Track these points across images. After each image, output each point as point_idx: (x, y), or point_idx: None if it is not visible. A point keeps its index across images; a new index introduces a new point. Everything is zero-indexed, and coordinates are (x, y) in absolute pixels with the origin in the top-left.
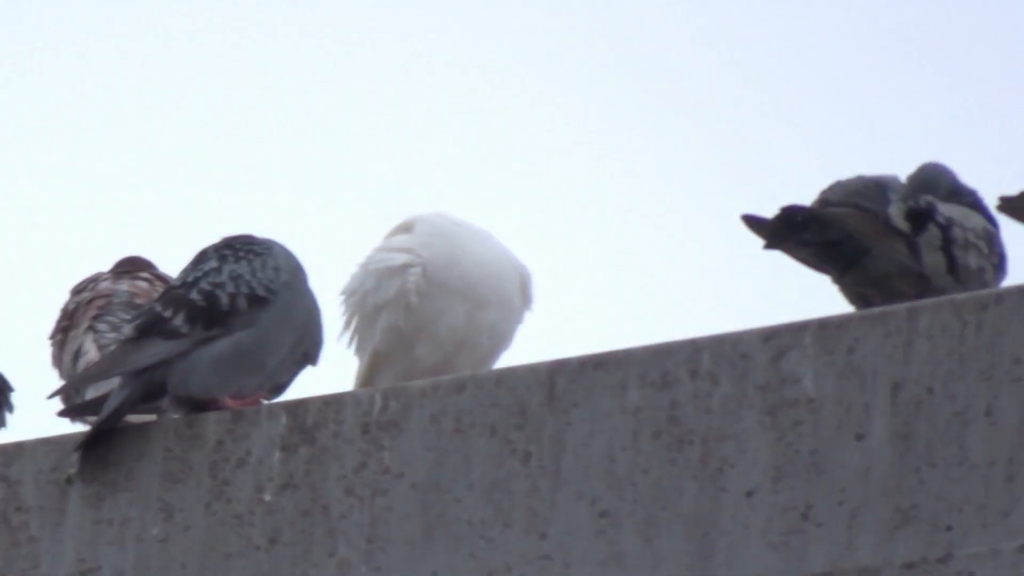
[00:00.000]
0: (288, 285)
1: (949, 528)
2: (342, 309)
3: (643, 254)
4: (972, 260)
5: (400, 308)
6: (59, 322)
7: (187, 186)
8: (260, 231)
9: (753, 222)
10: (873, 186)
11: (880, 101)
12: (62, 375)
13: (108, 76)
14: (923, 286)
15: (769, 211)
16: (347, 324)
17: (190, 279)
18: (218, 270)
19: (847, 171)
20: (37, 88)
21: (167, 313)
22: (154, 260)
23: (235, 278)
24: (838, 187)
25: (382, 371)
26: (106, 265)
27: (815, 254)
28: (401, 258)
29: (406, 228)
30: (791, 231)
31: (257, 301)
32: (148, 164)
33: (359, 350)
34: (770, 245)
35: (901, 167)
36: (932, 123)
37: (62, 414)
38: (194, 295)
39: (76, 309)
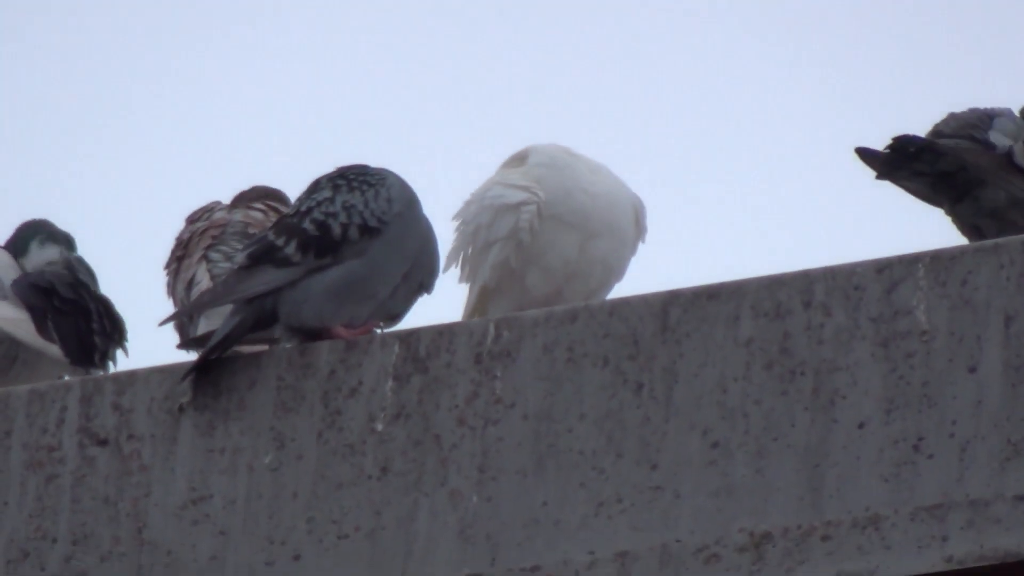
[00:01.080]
0: (401, 216)
1: None
2: (454, 237)
3: (757, 185)
4: None
5: (512, 245)
6: (173, 251)
7: (305, 114)
8: (375, 160)
9: (866, 155)
10: (987, 119)
11: (997, 31)
12: (176, 304)
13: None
14: None
15: (882, 144)
16: (457, 253)
17: (303, 208)
18: (331, 200)
19: (963, 103)
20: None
21: (279, 241)
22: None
23: (348, 208)
24: (951, 119)
25: (493, 302)
26: (225, 194)
27: (928, 185)
28: (519, 196)
29: (521, 159)
30: (904, 161)
31: (369, 231)
32: (267, 93)
33: (469, 281)
34: (882, 175)
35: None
36: None
37: (180, 347)
38: (307, 224)
39: (190, 238)
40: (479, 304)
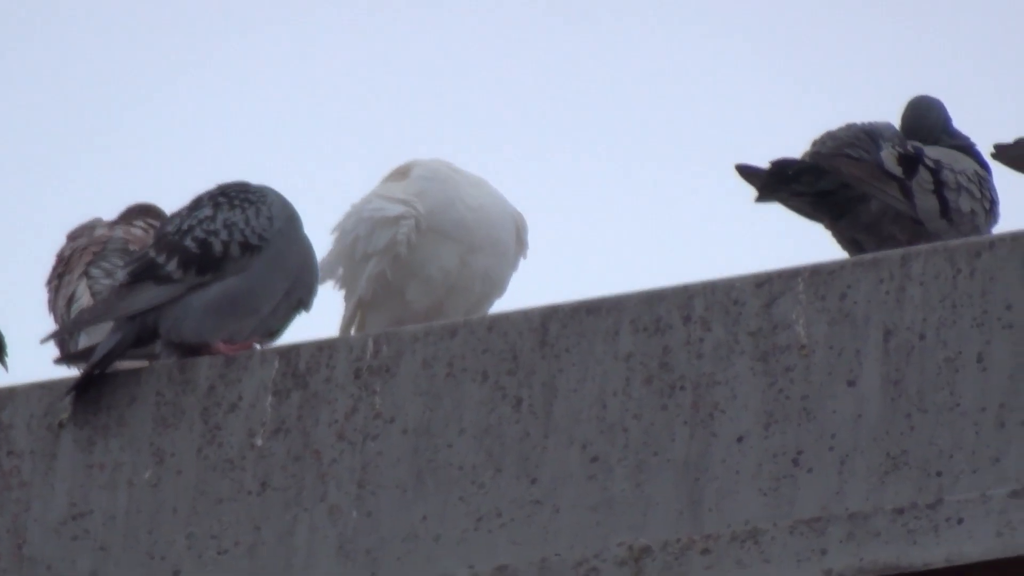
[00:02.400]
0: (282, 233)
1: (939, 474)
2: (331, 248)
3: (637, 200)
4: (964, 203)
5: (389, 259)
6: (54, 267)
7: (187, 129)
8: (256, 177)
9: (746, 172)
10: (864, 135)
11: (871, 44)
12: (57, 320)
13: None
14: (916, 231)
15: (762, 160)
16: (334, 265)
17: (184, 226)
18: (212, 217)
19: (841, 117)
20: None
21: (160, 259)
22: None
23: (229, 225)
24: (829, 138)
25: (372, 315)
26: (105, 211)
27: (808, 204)
28: (397, 209)
29: (403, 173)
30: (782, 183)
31: (250, 248)
32: (150, 107)
33: (347, 294)
34: (761, 198)
35: (894, 108)
36: (924, 65)
37: (59, 362)
38: (188, 241)
39: (72, 255)
40: (356, 316)
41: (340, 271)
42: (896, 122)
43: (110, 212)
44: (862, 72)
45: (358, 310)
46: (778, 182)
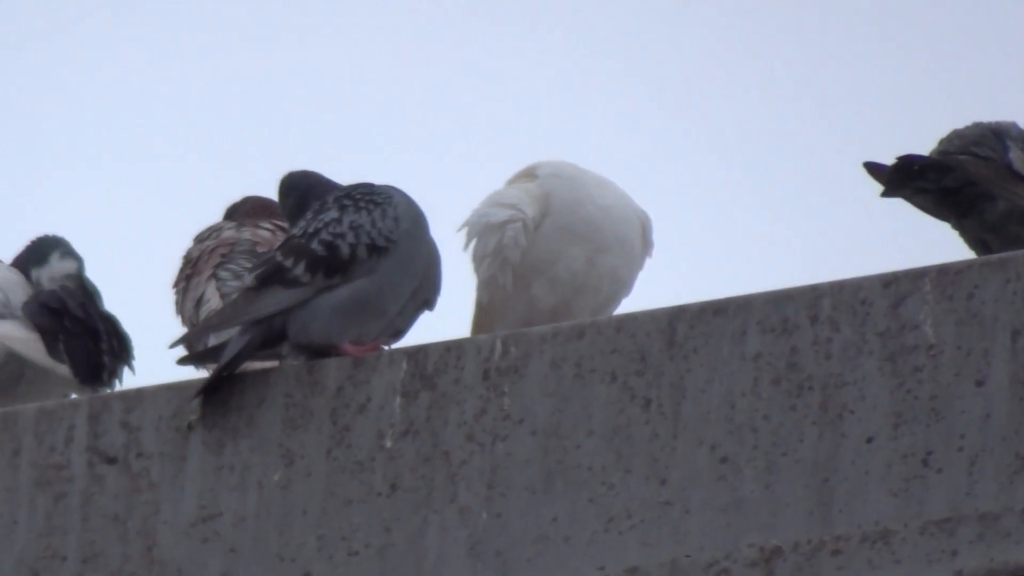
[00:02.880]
0: (408, 234)
1: None
2: (465, 249)
3: (764, 199)
4: None
5: (499, 263)
6: (182, 269)
7: (313, 131)
8: (382, 178)
9: (874, 169)
10: (990, 134)
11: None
12: (184, 322)
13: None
14: None
15: (889, 159)
16: (472, 260)
17: (311, 229)
18: (338, 220)
19: (969, 118)
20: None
21: (288, 262)
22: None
23: (355, 228)
24: (956, 137)
25: (500, 312)
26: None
27: (933, 201)
28: (504, 214)
29: (529, 173)
30: (908, 179)
31: (377, 250)
32: (272, 109)
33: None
34: (887, 193)
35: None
36: None
37: (183, 362)
38: (315, 245)
39: (199, 256)
40: (480, 320)
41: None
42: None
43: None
44: (1000, 70)
45: (478, 315)
46: (903, 177)
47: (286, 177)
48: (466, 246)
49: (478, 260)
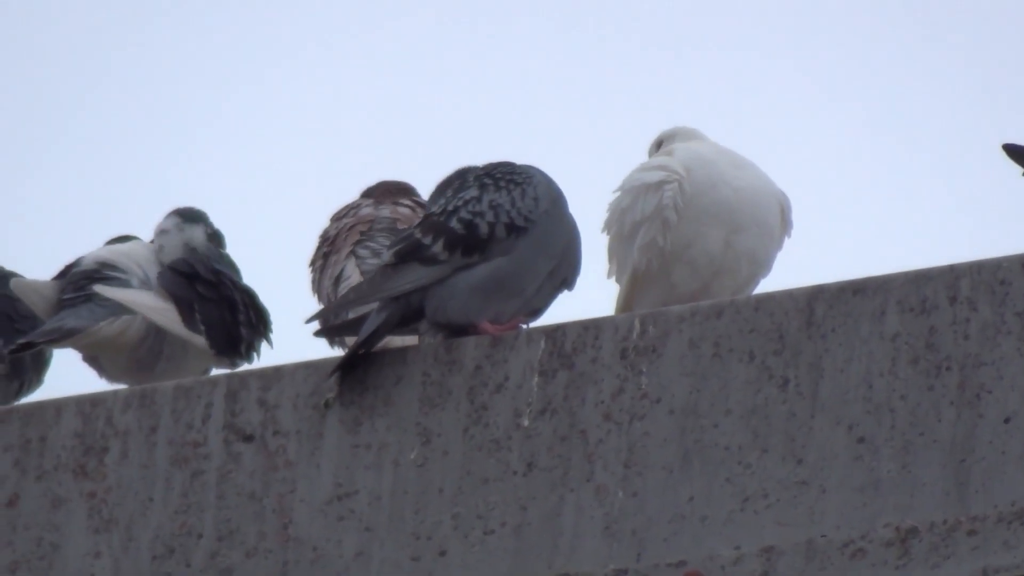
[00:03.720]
0: (547, 214)
1: None
2: (607, 235)
3: (903, 179)
4: None
5: (658, 224)
6: (319, 247)
7: (453, 111)
8: (523, 158)
9: (1013, 151)
10: None
11: None
12: (322, 300)
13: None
14: None
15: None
16: (609, 249)
17: (450, 207)
18: (478, 199)
19: None
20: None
21: (426, 240)
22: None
23: (495, 207)
24: None
25: (641, 296)
26: (359, 191)
27: None
28: (658, 175)
29: (664, 142)
30: None
31: (516, 230)
32: (407, 88)
33: (619, 273)
34: None
35: None
36: None
37: (318, 334)
38: (454, 223)
39: (337, 235)
40: (629, 297)
41: (611, 253)
42: None
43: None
44: None
45: (632, 286)
46: None
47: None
48: (612, 216)
49: (631, 228)
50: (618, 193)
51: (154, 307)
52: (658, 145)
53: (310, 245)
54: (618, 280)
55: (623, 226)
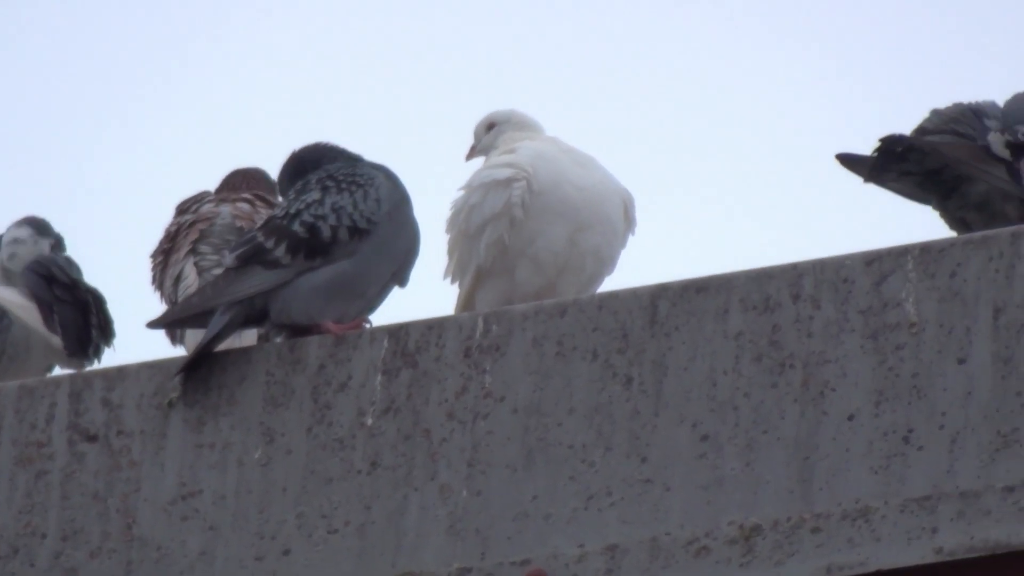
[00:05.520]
0: (390, 216)
1: None
2: (447, 236)
3: (745, 177)
4: None
5: (506, 221)
6: (161, 243)
7: (295, 106)
8: (370, 155)
9: (848, 160)
10: (970, 113)
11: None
12: (163, 297)
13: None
14: None
15: (863, 146)
16: (449, 249)
17: (292, 210)
18: (320, 201)
19: (947, 98)
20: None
21: (269, 243)
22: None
23: (337, 210)
24: (935, 116)
25: (483, 294)
26: (215, 180)
27: (915, 184)
28: (506, 172)
29: (510, 151)
30: (892, 162)
31: (358, 232)
32: (258, 82)
33: (459, 272)
34: (871, 178)
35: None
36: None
37: (154, 324)
38: (296, 226)
39: (178, 232)
40: (470, 296)
41: (455, 252)
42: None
43: (210, 182)
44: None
45: (475, 285)
46: (887, 161)
47: (297, 155)
48: (457, 215)
49: (478, 226)
50: (465, 190)
51: (21, 304)
52: (488, 126)
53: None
54: (456, 278)
55: (470, 223)
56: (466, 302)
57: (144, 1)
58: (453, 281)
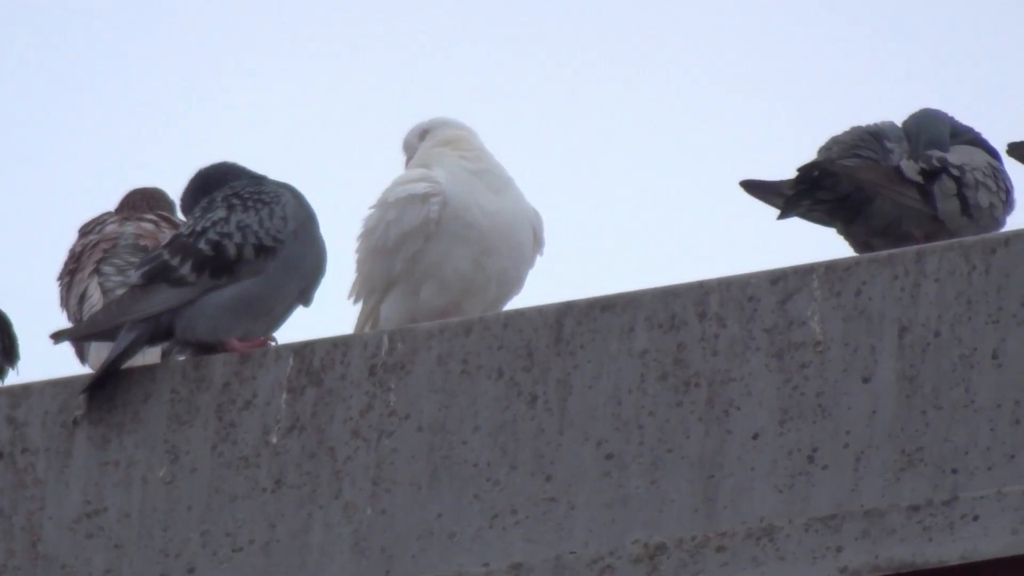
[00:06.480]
0: (295, 234)
1: (955, 471)
2: (357, 256)
3: (653, 196)
4: (983, 198)
5: (421, 238)
6: (66, 264)
7: (202, 126)
8: (275, 173)
9: (752, 187)
10: (869, 137)
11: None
12: (69, 317)
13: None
14: (935, 228)
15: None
16: (359, 266)
17: (198, 228)
18: (226, 220)
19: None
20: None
21: (174, 261)
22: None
23: (243, 228)
24: (834, 143)
25: (388, 312)
26: (117, 200)
27: (825, 211)
28: (423, 187)
29: (427, 133)
30: (810, 191)
31: (264, 251)
32: (161, 101)
33: (368, 290)
34: (787, 210)
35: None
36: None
37: (56, 336)
38: (202, 244)
39: (82, 252)
40: (375, 308)
41: (364, 268)
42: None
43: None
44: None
45: (378, 303)
46: (806, 190)
47: (202, 173)
48: (371, 234)
49: (396, 240)
50: (378, 208)
51: None
52: (421, 135)
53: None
54: (360, 296)
55: (387, 239)
56: (368, 318)
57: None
58: (357, 300)
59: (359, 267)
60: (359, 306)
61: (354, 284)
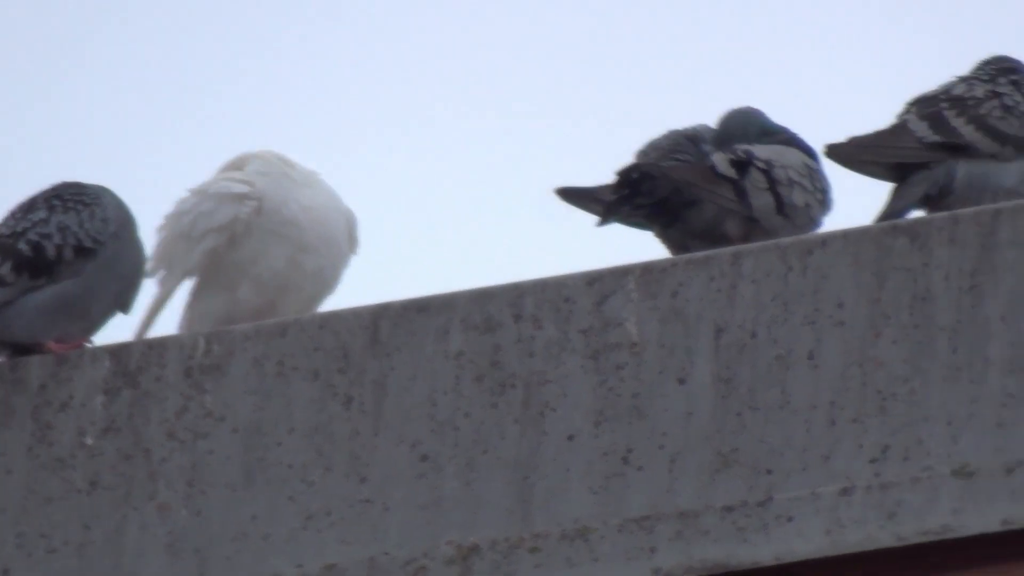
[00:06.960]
0: (116, 236)
1: (769, 472)
2: (162, 233)
3: (467, 197)
4: (797, 197)
5: (226, 236)
6: None
7: (28, 125)
8: (93, 177)
9: (568, 194)
10: (685, 140)
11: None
12: None
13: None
14: (751, 229)
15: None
16: (161, 247)
17: (18, 229)
18: (46, 220)
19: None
20: None
21: None
22: None
23: (63, 229)
24: (652, 148)
25: (204, 309)
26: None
27: (645, 215)
28: (243, 187)
29: (238, 167)
30: (631, 195)
31: (84, 252)
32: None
33: (168, 276)
34: (608, 216)
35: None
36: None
37: None
38: (21, 245)
39: None
40: (166, 298)
41: (166, 253)
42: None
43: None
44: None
45: (173, 290)
46: (629, 194)
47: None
48: (182, 217)
49: (201, 232)
50: (196, 195)
51: None
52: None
53: None
54: (165, 283)
55: (194, 227)
56: (163, 302)
57: None
58: (152, 276)
59: (159, 245)
60: (158, 288)
61: (158, 264)
